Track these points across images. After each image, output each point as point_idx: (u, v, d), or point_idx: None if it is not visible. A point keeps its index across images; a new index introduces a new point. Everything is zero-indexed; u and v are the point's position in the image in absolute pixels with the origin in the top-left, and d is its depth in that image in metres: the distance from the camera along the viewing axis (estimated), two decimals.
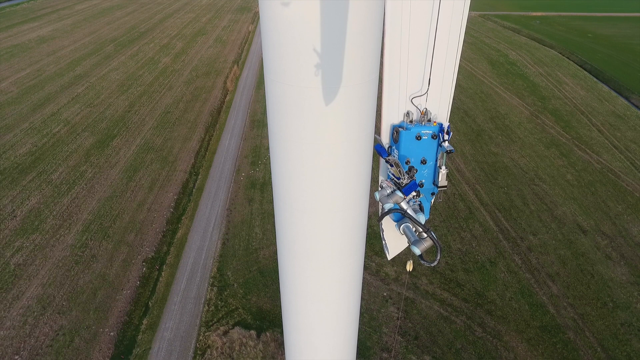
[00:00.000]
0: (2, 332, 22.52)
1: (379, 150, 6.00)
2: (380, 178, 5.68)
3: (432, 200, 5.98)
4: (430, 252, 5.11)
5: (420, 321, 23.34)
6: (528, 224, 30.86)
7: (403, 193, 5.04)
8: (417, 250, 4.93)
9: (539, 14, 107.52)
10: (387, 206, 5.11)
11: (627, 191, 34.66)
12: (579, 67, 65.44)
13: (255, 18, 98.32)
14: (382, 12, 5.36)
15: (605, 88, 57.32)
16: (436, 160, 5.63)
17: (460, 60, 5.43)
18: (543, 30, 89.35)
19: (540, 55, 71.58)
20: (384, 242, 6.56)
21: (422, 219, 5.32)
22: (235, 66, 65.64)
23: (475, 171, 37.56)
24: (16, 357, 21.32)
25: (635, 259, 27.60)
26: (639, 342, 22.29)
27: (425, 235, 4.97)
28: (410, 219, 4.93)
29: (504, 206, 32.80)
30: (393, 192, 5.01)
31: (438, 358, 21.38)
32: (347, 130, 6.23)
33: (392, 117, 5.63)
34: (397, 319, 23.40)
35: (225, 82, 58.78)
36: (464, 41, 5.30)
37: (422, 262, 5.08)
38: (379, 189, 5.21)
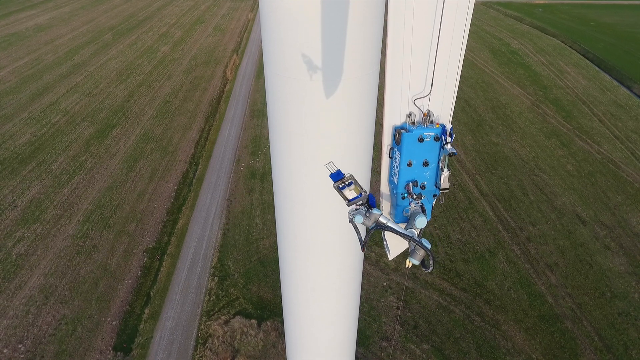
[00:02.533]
0: (5, 322, 22.75)
1: (335, 175, 5.24)
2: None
3: (434, 202, 5.98)
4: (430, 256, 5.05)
5: (420, 310, 23.55)
6: (527, 214, 30.93)
7: (373, 208, 4.73)
8: (415, 261, 4.86)
9: (541, 1, 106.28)
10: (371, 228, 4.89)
11: (627, 181, 34.67)
12: (581, 56, 64.90)
13: (255, 6, 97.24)
14: (384, 4, 5.30)
15: (607, 77, 56.91)
16: (438, 162, 5.60)
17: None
18: (545, 18, 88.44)
19: (542, 44, 70.95)
20: (385, 242, 6.55)
21: (423, 221, 5.29)
22: (235, 55, 65.12)
23: (476, 161, 37.52)
24: (19, 346, 21.57)
25: (633, 249, 27.73)
26: (636, 331, 22.51)
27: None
28: (395, 232, 4.76)
29: (503, 196, 32.84)
30: (368, 211, 4.72)
31: (437, 347, 21.62)
32: (347, 123, 6.21)
33: (394, 118, 5.60)
34: (397, 308, 23.60)
35: (224, 71, 58.39)
36: None
37: (422, 268, 5.01)
38: (350, 218, 4.82)
